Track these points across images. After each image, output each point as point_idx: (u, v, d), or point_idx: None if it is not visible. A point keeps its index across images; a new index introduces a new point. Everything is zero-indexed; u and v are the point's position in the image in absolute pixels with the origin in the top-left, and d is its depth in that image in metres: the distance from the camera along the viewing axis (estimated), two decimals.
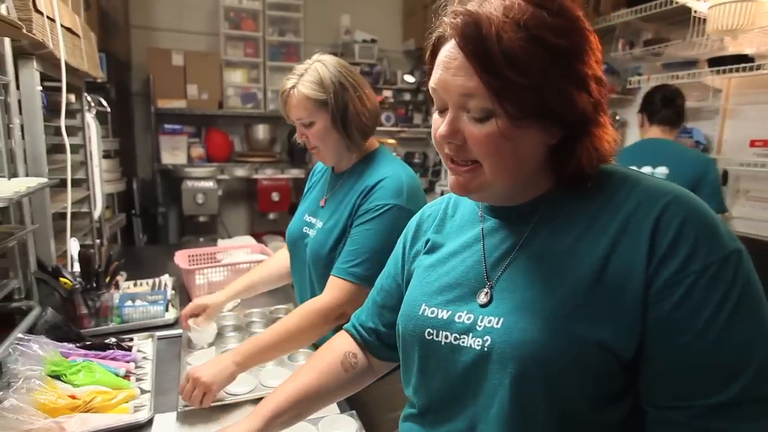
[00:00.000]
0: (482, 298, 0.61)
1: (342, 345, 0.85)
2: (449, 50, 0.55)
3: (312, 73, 1.11)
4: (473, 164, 0.58)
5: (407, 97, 4.04)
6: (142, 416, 0.92)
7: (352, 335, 0.86)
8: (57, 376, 0.98)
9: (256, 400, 0.98)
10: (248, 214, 3.79)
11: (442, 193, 3.75)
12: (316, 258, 1.16)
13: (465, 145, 0.57)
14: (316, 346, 1.17)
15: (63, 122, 1.47)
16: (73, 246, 1.46)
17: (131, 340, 1.24)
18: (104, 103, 2.23)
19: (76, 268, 1.45)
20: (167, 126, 3.29)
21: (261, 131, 3.48)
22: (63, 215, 1.56)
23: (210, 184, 3.16)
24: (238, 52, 3.45)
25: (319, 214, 1.23)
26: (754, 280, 0.51)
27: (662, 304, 0.51)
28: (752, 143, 1.88)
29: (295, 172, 3.45)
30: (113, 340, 1.19)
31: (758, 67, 1.74)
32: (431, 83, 0.59)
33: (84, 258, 1.34)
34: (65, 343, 1.10)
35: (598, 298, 0.53)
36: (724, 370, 0.49)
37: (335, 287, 1.08)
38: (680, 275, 0.50)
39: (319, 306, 1.07)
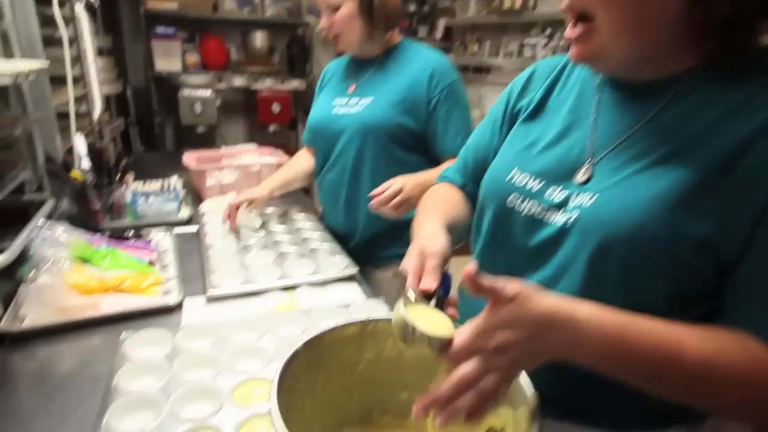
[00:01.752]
0: (581, 176, 0.56)
1: (456, 189, 0.82)
2: None
3: None
4: (586, 24, 0.50)
5: (411, 8, 3.80)
6: (172, 299, 0.94)
7: (457, 186, 0.82)
8: (84, 261, 0.98)
9: (284, 289, 1.01)
10: (247, 127, 3.68)
11: None
12: (369, 127, 1.21)
13: None
14: None
15: (57, 7, 1.36)
16: (80, 141, 1.41)
17: (149, 234, 1.24)
18: None
19: (84, 165, 1.41)
20: (159, 30, 3.08)
21: (259, 39, 3.28)
22: (63, 115, 1.49)
23: (208, 93, 3.02)
24: None
25: (353, 96, 1.26)
26: None
27: None
28: None
29: (295, 84, 3.31)
30: (132, 232, 1.19)
31: None
32: None
33: (95, 152, 1.30)
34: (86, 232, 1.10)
35: (720, 191, 0.46)
36: None
37: None
38: None
39: None
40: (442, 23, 3.80)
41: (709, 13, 0.46)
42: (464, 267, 0.44)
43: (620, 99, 0.57)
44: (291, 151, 1.66)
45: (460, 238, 0.75)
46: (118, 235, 1.16)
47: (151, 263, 1.06)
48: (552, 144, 0.61)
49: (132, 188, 1.50)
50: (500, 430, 0.51)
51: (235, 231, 1.26)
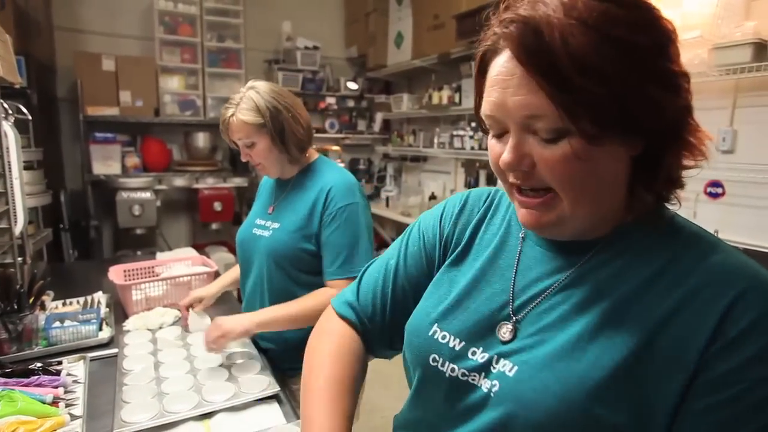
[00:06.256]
0: (504, 334, 0.54)
1: (352, 338, 0.72)
2: (504, 65, 0.47)
3: (247, 101, 1.21)
4: (547, 194, 0.49)
5: (351, 104, 4.06)
6: None
7: (355, 328, 0.72)
8: None
9: (200, 417, 0.95)
10: (189, 225, 3.65)
11: (387, 199, 3.79)
12: (274, 253, 1.24)
13: (534, 171, 0.49)
14: None
15: None
16: None
17: (60, 363, 1.16)
18: (24, 110, 2.07)
19: None
20: (98, 134, 3.11)
21: (201, 139, 3.37)
22: None
23: (147, 194, 3.01)
24: (175, 57, 3.32)
25: (269, 218, 1.32)
26: None
27: (702, 400, 0.43)
28: None
29: (237, 181, 3.37)
30: (38, 365, 1.11)
31: None
32: (485, 110, 0.50)
33: (2, 278, 1.24)
34: None
35: (635, 378, 0.45)
36: None
37: (338, 288, 1.19)
38: (736, 376, 0.43)
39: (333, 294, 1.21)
40: (379, 117, 4.07)
41: (655, 169, 0.48)
42: None
43: (542, 254, 0.57)
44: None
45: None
46: (22, 369, 1.08)
47: (55, 402, 0.98)
48: (473, 296, 0.59)
49: (48, 310, 1.42)
50: None
51: (155, 353, 1.21)
